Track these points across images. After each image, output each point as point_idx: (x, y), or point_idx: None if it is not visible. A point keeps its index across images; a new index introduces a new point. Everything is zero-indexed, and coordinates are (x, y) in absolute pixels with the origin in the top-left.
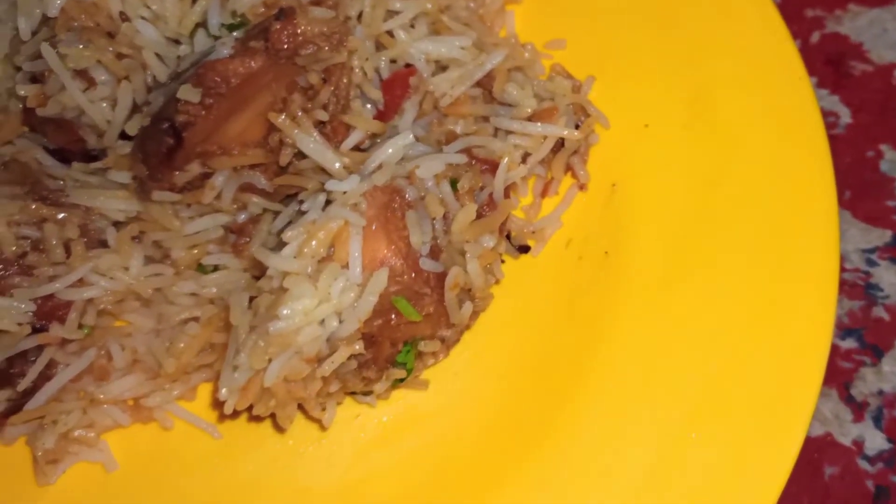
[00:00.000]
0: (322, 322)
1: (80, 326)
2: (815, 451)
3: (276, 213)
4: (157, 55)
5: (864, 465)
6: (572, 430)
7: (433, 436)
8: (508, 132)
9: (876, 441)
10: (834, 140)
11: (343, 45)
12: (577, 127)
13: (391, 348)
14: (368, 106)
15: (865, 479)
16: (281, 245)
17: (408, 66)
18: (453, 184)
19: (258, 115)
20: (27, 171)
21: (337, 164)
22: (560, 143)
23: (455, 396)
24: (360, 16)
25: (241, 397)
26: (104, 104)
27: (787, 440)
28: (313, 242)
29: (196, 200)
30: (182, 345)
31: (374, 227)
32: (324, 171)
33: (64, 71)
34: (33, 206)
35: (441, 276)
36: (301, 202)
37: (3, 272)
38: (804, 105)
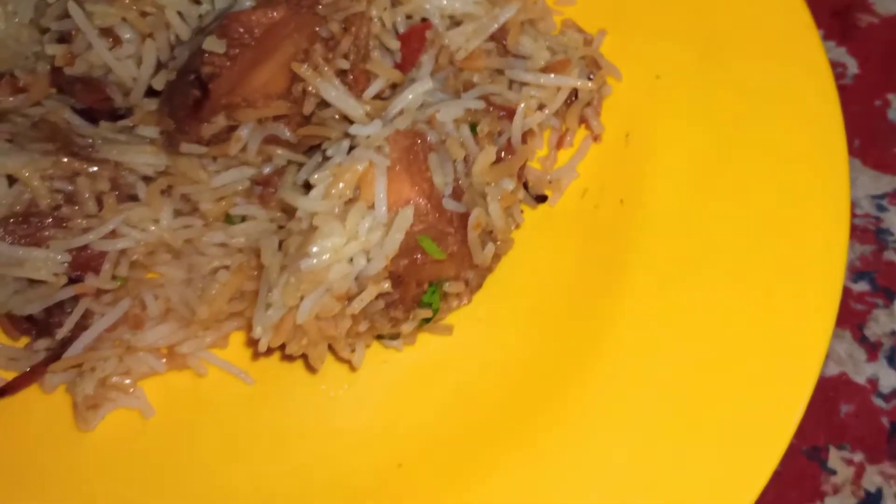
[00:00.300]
0: (351, 260)
1: (114, 277)
2: (831, 390)
3: (301, 165)
4: (179, 13)
5: (878, 402)
6: (595, 374)
7: (458, 380)
8: (523, 84)
9: (890, 379)
10: (842, 90)
11: None
12: (589, 79)
13: (417, 288)
14: (387, 57)
15: (880, 416)
16: (308, 189)
17: (423, 20)
18: (472, 128)
19: (281, 66)
20: (56, 131)
21: (360, 111)
22: (573, 96)
23: (479, 342)
24: None
25: (274, 335)
26: (130, 61)
27: (802, 378)
28: (340, 184)
29: (222, 153)
30: (214, 292)
31: (397, 169)
32: (346, 121)
33: (90, 29)
34: (65, 161)
35: (464, 217)
36: (325, 150)
37: (38, 224)
38: (812, 54)
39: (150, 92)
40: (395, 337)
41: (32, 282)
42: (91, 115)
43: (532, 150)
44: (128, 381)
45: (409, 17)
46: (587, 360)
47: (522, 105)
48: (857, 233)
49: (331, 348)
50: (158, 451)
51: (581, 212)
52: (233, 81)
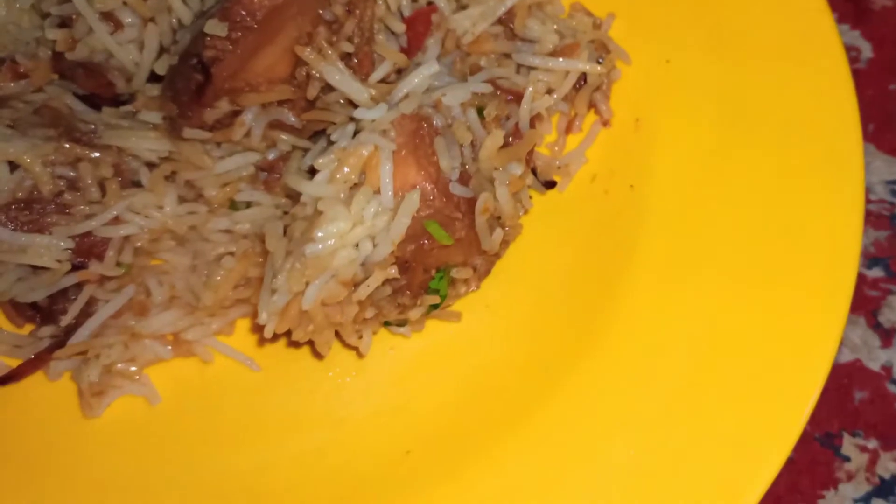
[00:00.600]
0: (356, 245)
1: (119, 264)
2: (845, 376)
3: (306, 151)
4: None
5: (893, 389)
6: (604, 360)
7: (467, 367)
8: (531, 68)
9: None
10: (856, 74)
11: None
12: (598, 63)
13: (424, 274)
14: (392, 41)
15: (894, 403)
16: (313, 174)
17: (429, 3)
18: (479, 111)
19: (284, 50)
20: (59, 116)
21: (364, 95)
22: (582, 80)
23: (488, 328)
24: None
25: (280, 321)
26: (132, 46)
27: (816, 365)
28: (345, 169)
29: (226, 139)
30: (219, 278)
31: (403, 153)
32: (351, 106)
33: (91, 13)
34: (67, 146)
35: (471, 202)
36: (329, 135)
37: (40, 211)
38: (826, 38)
39: (153, 77)
40: (402, 324)
41: (36, 269)
42: (93, 101)
43: (540, 134)
44: (133, 369)
45: (414, 0)
46: (597, 347)
47: (530, 88)
48: (871, 218)
49: (338, 335)
50: (165, 439)
51: (590, 197)
52: (235, 65)
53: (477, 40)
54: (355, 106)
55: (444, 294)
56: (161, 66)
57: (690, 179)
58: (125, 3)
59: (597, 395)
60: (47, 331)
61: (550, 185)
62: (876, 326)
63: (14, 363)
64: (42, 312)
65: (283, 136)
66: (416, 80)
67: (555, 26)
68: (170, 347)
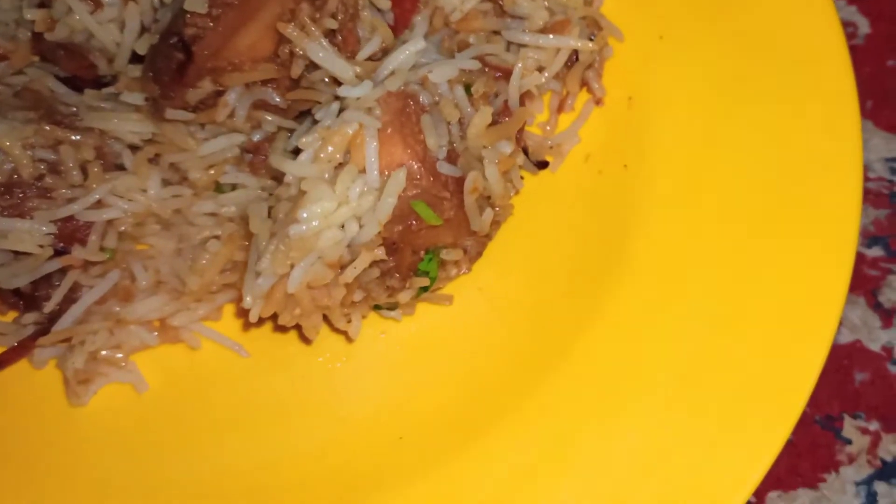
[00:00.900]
0: (342, 226)
1: (102, 249)
2: (845, 357)
3: (291, 132)
4: None
5: (894, 370)
6: (599, 344)
7: (460, 350)
8: (521, 46)
9: None
10: (854, 50)
11: None
12: (590, 40)
13: (413, 256)
14: (378, 19)
15: (895, 384)
16: (297, 154)
17: None
18: (467, 88)
19: (266, 27)
20: (40, 99)
21: (349, 72)
22: (574, 58)
23: (480, 312)
24: None
25: (265, 304)
26: (112, 25)
27: (815, 345)
28: (329, 148)
29: (210, 119)
30: (204, 262)
31: (389, 132)
32: (336, 84)
33: None
34: (48, 129)
35: (460, 181)
36: (314, 114)
37: (21, 195)
38: (823, 13)
39: (136, 58)
40: (393, 307)
41: (18, 254)
42: (75, 84)
43: (531, 113)
44: (119, 355)
45: None
46: (591, 330)
47: (519, 65)
48: (870, 197)
49: (326, 319)
50: (153, 426)
51: (583, 177)
52: (217, 44)
53: (466, 17)
54: (340, 83)
55: (433, 276)
56: (141, 45)
57: (685, 158)
58: None
59: (592, 378)
60: (31, 318)
61: (542, 165)
62: (876, 306)
63: None
64: (25, 299)
65: (268, 117)
66: (401, 56)
67: (545, 2)
68: (156, 334)
